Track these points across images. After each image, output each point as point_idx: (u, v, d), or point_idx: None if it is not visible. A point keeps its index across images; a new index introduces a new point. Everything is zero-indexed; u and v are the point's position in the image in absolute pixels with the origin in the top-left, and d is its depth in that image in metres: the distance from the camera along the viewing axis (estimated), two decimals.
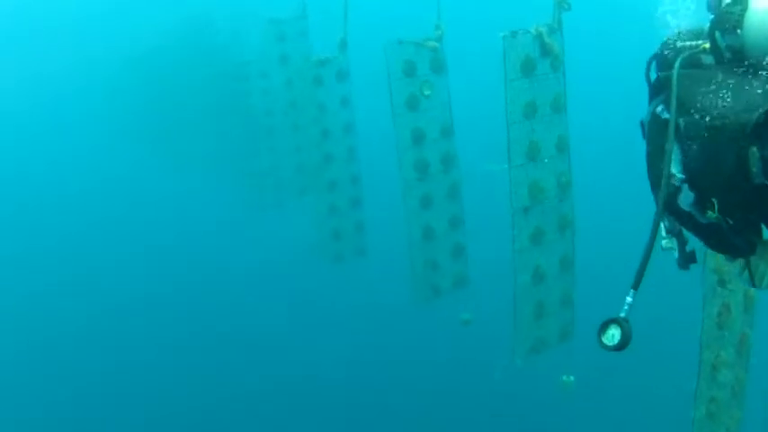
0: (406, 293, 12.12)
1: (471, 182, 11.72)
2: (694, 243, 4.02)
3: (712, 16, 3.69)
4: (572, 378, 11.23)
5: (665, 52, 3.96)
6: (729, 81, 3.43)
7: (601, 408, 13.36)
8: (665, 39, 4.07)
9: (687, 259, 4.10)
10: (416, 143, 10.33)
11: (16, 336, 17.51)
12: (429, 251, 11.15)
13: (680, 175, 3.56)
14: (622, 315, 3.71)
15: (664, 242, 4.05)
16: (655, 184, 3.69)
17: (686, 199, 3.62)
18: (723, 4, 3.63)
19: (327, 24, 14.15)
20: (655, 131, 3.74)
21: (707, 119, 3.40)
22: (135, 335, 17.07)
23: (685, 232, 3.99)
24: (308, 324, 16.20)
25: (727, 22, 3.55)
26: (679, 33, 4.03)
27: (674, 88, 3.58)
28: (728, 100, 3.36)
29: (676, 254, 4.08)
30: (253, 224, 19.70)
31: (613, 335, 3.65)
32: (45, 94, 32.06)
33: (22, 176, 26.68)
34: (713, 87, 3.46)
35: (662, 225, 3.97)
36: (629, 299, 3.73)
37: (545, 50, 8.64)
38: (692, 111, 3.47)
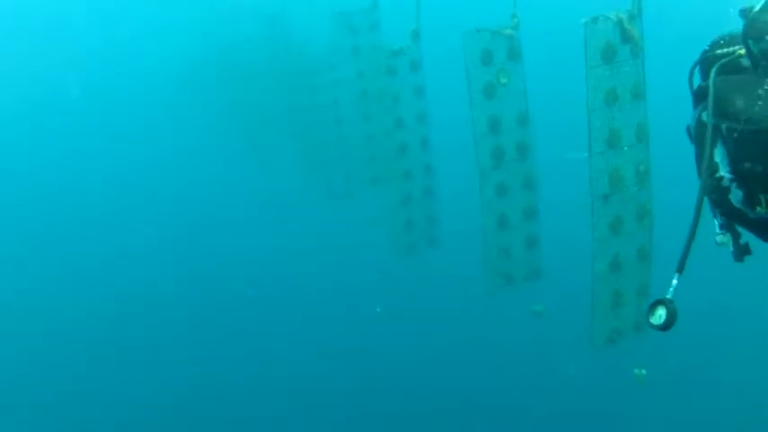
0: (478, 285, 12.11)
1: (546, 171, 11.65)
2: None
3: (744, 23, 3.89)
4: (644, 371, 11.13)
5: (706, 59, 4.20)
6: (765, 85, 3.63)
7: (673, 401, 13.21)
8: (706, 46, 4.30)
9: (741, 252, 4.36)
10: (493, 131, 10.32)
11: (116, 329, 17.86)
12: (503, 240, 11.12)
13: (728, 176, 3.81)
14: (668, 297, 4.02)
15: (718, 238, 4.39)
16: (705, 182, 3.94)
17: (736, 197, 3.85)
18: (753, 12, 3.79)
19: (398, 15, 14.23)
20: (701, 136, 3.96)
21: (745, 122, 3.62)
22: (211, 325, 17.32)
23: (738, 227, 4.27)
24: (380, 315, 16.27)
25: (757, 29, 3.73)
26: (721, 39, 4.21)
27: (711, 95, 3.81)
28: (760, 103, 3.58)
29: (731, 248, 4.36)
30: (322, 214, 19.85)
31: (660, 315, 3.96)
32: (120, 89, 32.68)
33: (108, 174, 27.21)
34: (750, 92, 3.66)
35: (716, 222, 4.33)
36: (674, 282, 4.03)
37: (625, 37, 8.53)
38: (732, 115, 3.68)
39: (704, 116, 3.92)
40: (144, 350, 16.67)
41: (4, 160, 28.48)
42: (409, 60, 13.14)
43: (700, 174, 3.99)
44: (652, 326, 3.98)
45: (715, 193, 3.97)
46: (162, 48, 31.50)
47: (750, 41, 3.80)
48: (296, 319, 16.86)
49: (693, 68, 4.46)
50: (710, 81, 3.86)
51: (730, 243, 4.35)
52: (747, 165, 3.71)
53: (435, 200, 14.25)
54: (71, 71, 34.57)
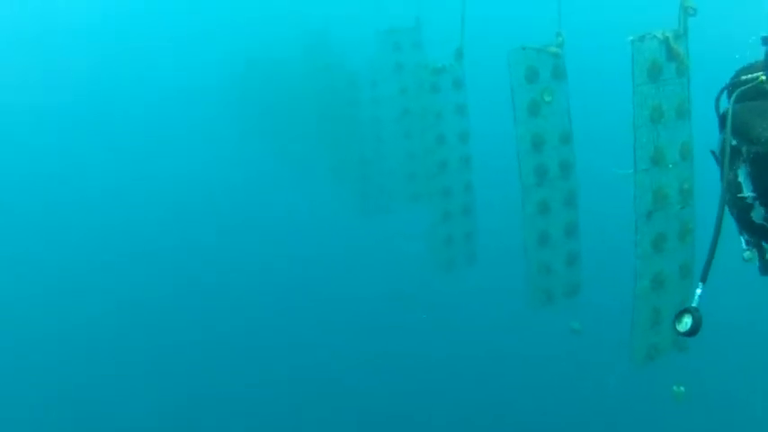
0: (517, 301, 12.18)
1: (586, 189, 11.72)
2: None
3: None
4: (683, 389, 11.11)
5: (732, 85, 4.47)
6: None
7: (711, 419, 13.14)
8: (734, 72, 4.56)
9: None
10: (536, 149, 10.43)
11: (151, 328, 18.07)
12: (544, 257, 11.20)
13: (751, 194, 4.05)
14: (694, 305, 4.27)
15: (745, 254, 4.55)
16: (729, 202, 4.26)
17: (758, 214, 4.09)
18: None
19: (441, 33, 14.43)
20: (724, 158, 4.24)
21: (763, 145, 3.91)
22: (247, 337, 17.44)
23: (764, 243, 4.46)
24: (418, 331, 16.32)
25: None
26: (746, 66, 4.47)
27: (730, 119, 4.13)
28: None
29: (758, 263, 4.53)
30: (360, 229, 20.00)
31: (686, 322, 4.19)
32: (163, 102, 33.15)
33: (150, 183, 27.54)
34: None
35: (742, 239, 4.50)
36: (698, 291, 4.32)
37: (671, 55, 8.63)
38: (751, 138, 3.96)
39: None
40: (189, 359, 16.84)
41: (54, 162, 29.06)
42: (452, 78, 13.30)
43: (724, 192, 4.28)
44: (678, 333, 4.20)
45: (740, 211, 4.18)
46: (204, 61, 31.95)
47: None
48: (332, 333, 16.95)
49: (720, 94, 4.74)
50: (730, 106, 4.14)
51: (756, 258, 4.51)
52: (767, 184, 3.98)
53: (475, 216, 14.34)
54: (121, 82, 35.15)
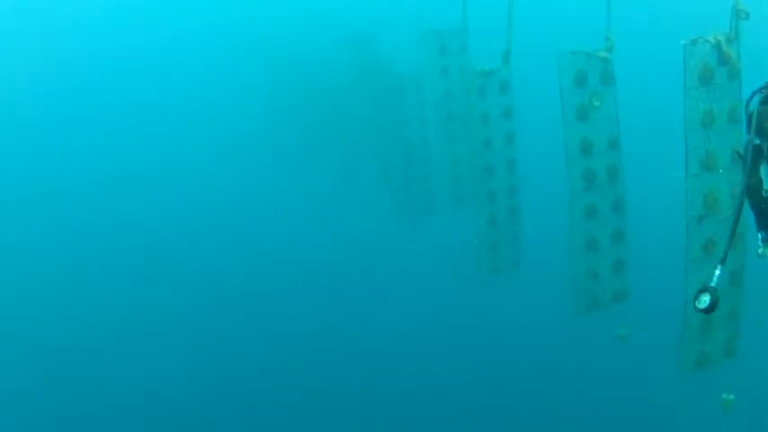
0: (561, 307, 12.11)
1: (635, 195, 11.64)
2: None
3: None
4: (732, 397, 10.95)
5: (762, 88, 4.91)
6: None
7: (759, 429, 12.94)
8: None
9: None
10: (584, 153, 10.39)
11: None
12: (591, 262, 11.14)
13: None
14: (712, 285, 5.05)
15: (759, 250, 5.30)
16: (751, 196, 4.87)
17: None
18: None
19: (487, 37, 14.40)
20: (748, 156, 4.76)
21: None
22: (285, 344, 17.50)
23: None
24: (460, 336, 16.29)
25: None
26: None
27: (754, 120, 4.73)
28: None
29: None
30: (404, 234, 20.00)
31: (705, 300, 4.94)
32: (209, 105, 33.38)
33: (192, 187, 27.73)
34: None
35: (760, 236, 5.17)
36: (717, 272, 5.16)
37: (723, 59, 8.54)
38: None
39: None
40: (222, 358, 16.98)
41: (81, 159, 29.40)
42: (499, 81, 13.28)
43: (746, 189, 4.82)
44: (697, 309, 4.94)
45: (760, 207, 4.82)
46: (248, 64, 32.13)
47: None
48: (376, 336, 16.96)
49: (751, 98, 5.10)
50: (756, 108, 4.67)
51: None
52: None
53: (520, 220, 14.30)
54: (162, 84, 35.47)
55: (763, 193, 4.79)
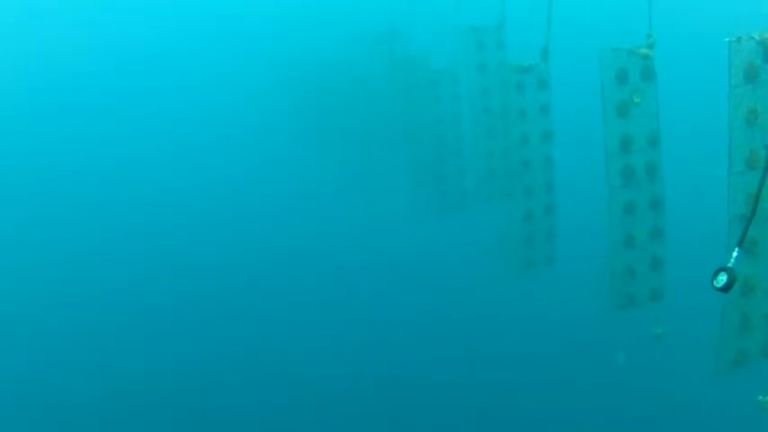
0: (595, 304, 12.06)
1: (674, 193, 11.56)
2: None
3: None
4: None
5: None
6: None
7: None
8: None
9: None
10: (624, 150, 10.35)
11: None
12: (628, 259, 11.09)
13: None
14: (730, 265, 5.46)
15: None
16: None
17: None
18: None
19: (523, 33, 14.36)
20: None
21: None
22: (316, 338, 17.55)
23: None
24: (492, 333, 16.27)
25: None
26: None
27: None
28: None
29: None
30: (436, 229, 19.98)
31: (722, 279, 5.34)
32: (231, 98, 33.51)
33: (213, 181, 27.84)
34: None
35: None
36: (734, 254, 5.61)
37: None
38: None
39: None
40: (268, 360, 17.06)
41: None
42: (537, 78, 13.25)
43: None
44: (714, 288, 5.29)
45: None
46: (279, 60, 32.19)
47: None
48: (408, 332, 16.99)
49: None
50: None
51: None
52: None
53: (555, 217, 14.26)
54: (192, 83, 35.62)
55: None
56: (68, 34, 38.74)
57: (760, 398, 10.77)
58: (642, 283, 11.37)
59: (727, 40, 8.26)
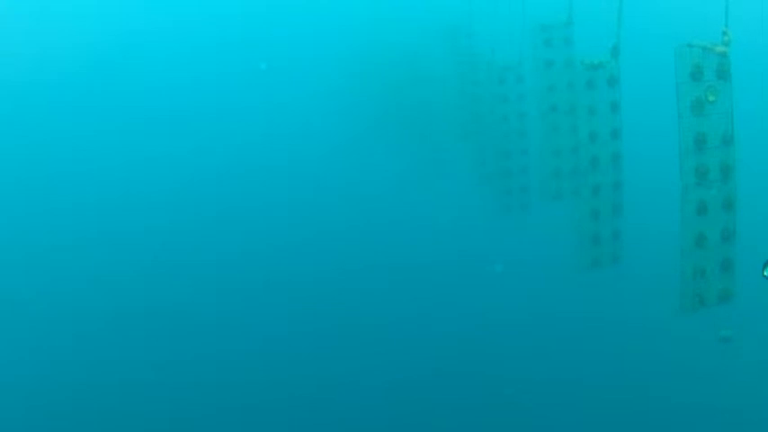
0: (662, 304, 11.91)
1: (746, 193, 11.38)
2: None
3: None
4: None
5: None
6: None
7: None
8: None
9: None
10: (698, 148, 10.20)
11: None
12: (699, 259, 10.92)
13: None
14: None
15: None
16: None
17: None
18: None
19: (592, 30, 14.24)
20: None
21: None
22: (375, 335, 17.59)
23: None
24: (558, 332, 16.17)
25: None
26: None
27: None
28: None
29: None
30: (500, 228, 19.92)
31: None
32: (303, 94, 33.73)
33: (290, 182, 28.01)
34: None
35: None
36: None
37: None
38: None
39: None
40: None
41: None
42: (608, 75, 13.11)
43: None
44: (765, 277, 5.42)
45: None
46: (343, 56, 32.34)
47: None
48: (473, 329, 16.98)
49: None
50: None
51: None
52: None
53: (623, 215, 14.11)
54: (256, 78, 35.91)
55: None
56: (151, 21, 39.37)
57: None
58: (712, 284, 11.17)
59: None
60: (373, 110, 28.06)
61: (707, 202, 10.57)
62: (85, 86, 34.65)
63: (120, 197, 26.04)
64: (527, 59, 16.47)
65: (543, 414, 14.04)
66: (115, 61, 36.31)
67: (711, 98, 10.21)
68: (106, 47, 37.18)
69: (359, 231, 23.37)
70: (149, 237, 23.85)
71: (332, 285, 19.87)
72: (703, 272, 11.04)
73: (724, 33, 10.27)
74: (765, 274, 5.08)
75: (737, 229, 11.31)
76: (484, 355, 15.71)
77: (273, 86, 34.93)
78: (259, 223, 24.55)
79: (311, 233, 23.62)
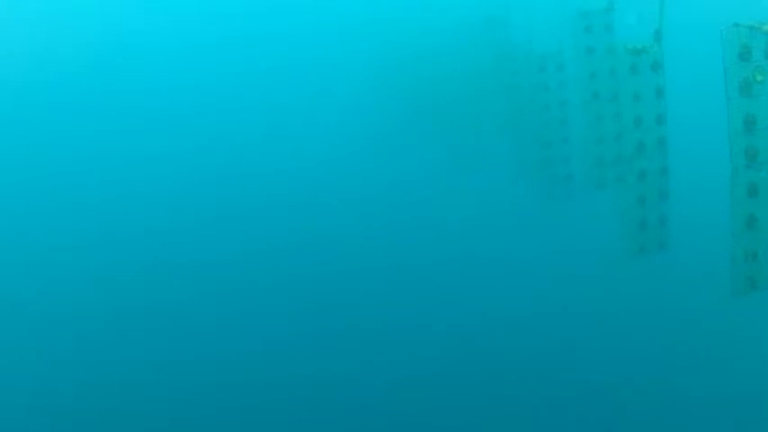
0: (712, 288, 11.84)
1: None
2: None
3: None
4: None
5: None
6: None
7: None
8: None
9: None
10: (747, 129, 10.12)
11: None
12: (750, 241, 10.85)
13: None
14: None
15: None
16: None
17: None
18: None
19: (633, 15, 14.16)
20: None
21: None
22: (432, 329, 17.59)
23: None
24: (605, 321, 16.04)
25: None
26: None
27: None
28: None
29: None
30: (540, 216, 19.86)
31: None
32: (340, 87, 33.76)
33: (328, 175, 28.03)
34: None
35: None
36: None
37: None
38: None
39: None
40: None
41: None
42: (651, 60, 13.05)
43: None
44: None
45: None
46: (379, 48, 32.35)
47: None
48: (518, 320, 16.91)
49: None
50: None
51: None
52: None
53: (670, 200, 14.06)
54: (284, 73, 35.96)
55: None
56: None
57: None
58: (764, 266, 11.10)
59: None
60: (413, 103, 28.07)
61: (757, 184, 10.49)
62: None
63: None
64: (567, 47, 16.38)
65: (594, 396, 13.99)
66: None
67: (760, 78, 10.14)
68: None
69: (403, 225, 23.36)
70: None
71: (378, 279, 19.93)
72: (755, 254, 10.98)
73: None
74: None
75: None
76: (532, 345, 15.70)
77: (312, 80, 35.06)
78: (305, 219, 24.62)
79: (355, 228, 23.65)
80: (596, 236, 16.87)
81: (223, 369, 16.82)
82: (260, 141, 30.98)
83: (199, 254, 22.75)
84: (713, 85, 11.10)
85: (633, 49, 12.82)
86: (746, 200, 10.56)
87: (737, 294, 11.26)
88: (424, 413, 14.92)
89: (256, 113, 33.47)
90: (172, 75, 36.39)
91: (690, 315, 14.92)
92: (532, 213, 20.33)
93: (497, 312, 17.40)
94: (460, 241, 21.44)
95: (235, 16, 40.76)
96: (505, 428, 14.15)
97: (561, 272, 18.00)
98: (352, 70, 33.86)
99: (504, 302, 17.81)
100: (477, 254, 20.37)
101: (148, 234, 23.90)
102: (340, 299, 19.54)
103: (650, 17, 13.01)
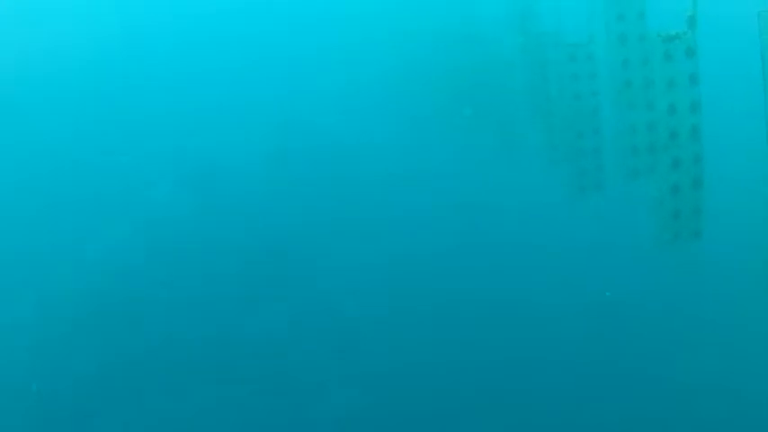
0: (746, 278, 11.70)
1: None
2: None
3: None
4: None
5: None
6: None
7: None
8: None
9: None
10: None
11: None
12: None
13: None
14: None
15: None
16: None
17: None
18: None
19: (664, 2, 14.03)
20: None
21: None
22: (454, 321, 17.57)
23: None
24: (637, 311, 15.90)
25: None
26: None
27: None
28: None
29: None
30: (572, 207, 19.70)
31: None
32: (367, 77, 33.78)
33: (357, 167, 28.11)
34: None
35: None
36: None
37: None
38: None
39: None
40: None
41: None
42: (685, 47, 12.92)
43: None
44: None
45: None
46: (412, 39, 32.32)
47: None
48: (548, 310, 16.82)
49: None
50: None
51: None
52: None
53: (704, 189, 13.92)
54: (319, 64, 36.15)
55: None
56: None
57: None
58: None
59: None
60: (442, 94, 27.99)
61: None
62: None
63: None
64: (598, 35, 16.27)
65: (626, 385, 13.87)
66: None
67: None
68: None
69: (433, 214, 23.33)
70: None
71: (409, 266, 19.93)
72: None
73: None
74: None
75: None
76: (564, 336, 15.59)
77: (340, 69, 35.12)
78: (322, 212, 24.72)
79: (383, 218, 23.65)
80: (629, 225, 16.69)
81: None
82: (282, 136, 31.19)
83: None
84: (749, 70, 10.96)
85: (667, 36, 12.70)
86: None
87: None
88: (460, 400, 14.96)
89: (298, 97, 33.69)
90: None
91: (725, 305, 14.72)
92: (564, 204, 20.15)
93: (530, 303, 17.30)
94: (492, 233, 21.33)
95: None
96: (546, 418, 14.15)
97: (595, 262, 17.83)
98: (380, 61, 33.82)
99: (536, 293, 17.69)
100: (510, 244, 20.23)
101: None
102: (373, 283, 19.62)
103: (684, 2, 12.88)
